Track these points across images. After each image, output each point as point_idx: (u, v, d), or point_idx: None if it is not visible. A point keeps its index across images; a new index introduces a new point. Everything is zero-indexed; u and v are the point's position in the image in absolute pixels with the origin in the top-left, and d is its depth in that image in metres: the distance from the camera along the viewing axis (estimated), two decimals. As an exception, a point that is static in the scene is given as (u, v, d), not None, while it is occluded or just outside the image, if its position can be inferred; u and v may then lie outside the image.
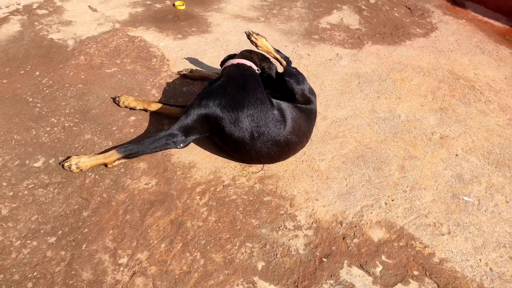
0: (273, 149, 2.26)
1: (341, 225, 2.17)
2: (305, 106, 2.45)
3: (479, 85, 3.37)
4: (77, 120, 2.61)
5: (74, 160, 2.27)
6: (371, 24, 4.08)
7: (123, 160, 2.35)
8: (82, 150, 2.42)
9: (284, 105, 2.35)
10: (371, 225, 2.19)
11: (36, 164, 2.30)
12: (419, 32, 4.06)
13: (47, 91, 2.80)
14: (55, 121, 2.58)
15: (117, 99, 2.75)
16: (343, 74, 3.32)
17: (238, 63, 2.48)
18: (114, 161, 2.31)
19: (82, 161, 2.27)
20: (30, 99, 2.72)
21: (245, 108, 2.20)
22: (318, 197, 2.30)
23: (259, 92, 2.27)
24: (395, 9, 4.42)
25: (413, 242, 2.14)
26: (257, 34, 2.68)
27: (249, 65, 2.49)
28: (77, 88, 2.85)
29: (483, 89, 3.34)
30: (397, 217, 2.25)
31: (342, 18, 4.12)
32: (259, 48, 2.68)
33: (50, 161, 2.33)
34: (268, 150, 2.26)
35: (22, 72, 2.95)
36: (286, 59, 2.71)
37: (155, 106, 2.68)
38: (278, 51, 2.70)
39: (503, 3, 4.44)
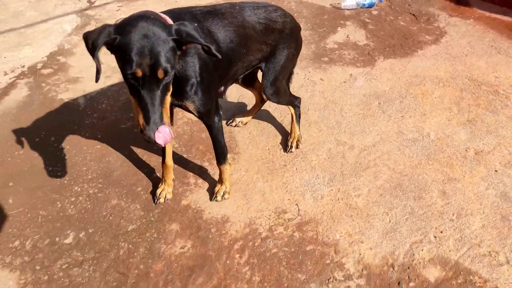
0: None
1: (393, 269, 2.05)
2: None
3: (502, 89, 3.26)
4: (100, 185, 2.54)
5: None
6: (378, 38, 3.99)
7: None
8: (110, 217, 2.35)
9: None
10: (424, 264, 2.07)
11: (66, 241, 2.23)
12: (429, 39, 3.96)
13: (66, 157, 2.73)
14: (79, 189, 2.52)
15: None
16: (361, 96, 3.23)
17: None
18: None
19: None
20: (50, 169, 2.66)
21: None
22: (362, 239, 2.19)
23: None
24: (399, 17, 4.33)
25: (471, 277, 2.01)
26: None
27: None
28: (96, 150, 2.79)
29: (507, 92, 3.22)
30: (450, 250, 2.13)
31: (348, 35, 4.04)
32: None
33: (81, 235, 2.25)
34: None
35: (37, 139, 2.89)
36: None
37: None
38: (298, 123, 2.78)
39: (508, -4, 4.34)
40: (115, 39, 1.59)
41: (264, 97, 2.48)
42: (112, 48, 1.64)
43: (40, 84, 3.47)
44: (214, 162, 2.64)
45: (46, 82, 3.49)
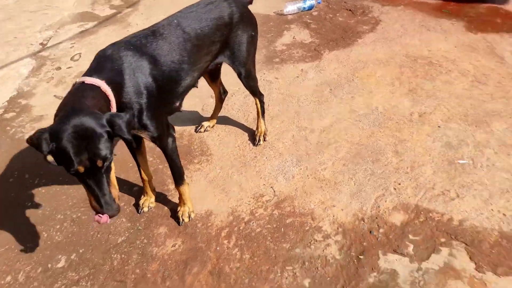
0: None
1: (363, 221, 2.30)
2: None
3: (436, 60, 3.64)
4: (83, 209, 2.62)
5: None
6: (321, 34, 4.33)
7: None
8: (98, 235, 2.44)
9: None
10: (389, 212, 2.34)
11: (59, 265, 2.30)
12: (366, 29, 4.34)
13: (43, 190, 2.80)
14: (62, 217, 2.58)
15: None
16: (314, 86, 3.51)
17: None
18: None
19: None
20: (29, 204, 2.71)
21: None
22: (334, 203, 2.42)
23: None
24: (337, 14, 4.71)
25: (430, 214, 2.32)
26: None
27: None
28: (73, 177, 2.88)
29: (440, 62, 3.60)
30: (409, 197, 2.42)
31: (294, 36, 4.36)
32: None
33: (72, 257, 2.33)
34: None
35: (11, 180, 2.94)
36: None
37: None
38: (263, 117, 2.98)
39: (427, -19, 4.79)
40: (53, 146, 1.61)
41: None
42: (52, 152, 1.64)
43: (5, 128, 3.52)
44: (189, 166, 2.83)
45: (11, 125, 3.55)
